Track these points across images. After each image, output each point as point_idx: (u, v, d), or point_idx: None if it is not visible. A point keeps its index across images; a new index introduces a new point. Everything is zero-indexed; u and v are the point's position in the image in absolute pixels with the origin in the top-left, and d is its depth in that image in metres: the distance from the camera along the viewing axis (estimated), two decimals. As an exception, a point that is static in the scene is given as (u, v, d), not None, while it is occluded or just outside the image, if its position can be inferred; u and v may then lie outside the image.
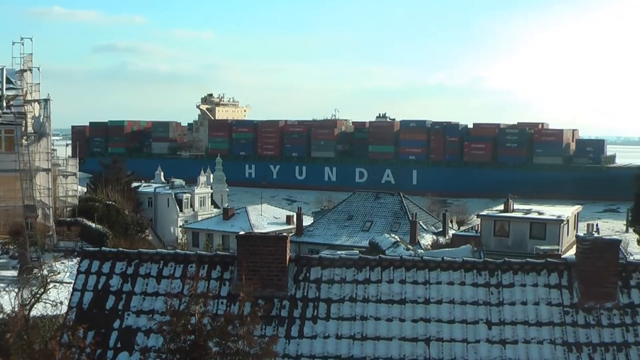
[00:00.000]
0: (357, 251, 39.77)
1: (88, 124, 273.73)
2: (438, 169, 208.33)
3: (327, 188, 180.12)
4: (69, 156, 73.52)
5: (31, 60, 63.16)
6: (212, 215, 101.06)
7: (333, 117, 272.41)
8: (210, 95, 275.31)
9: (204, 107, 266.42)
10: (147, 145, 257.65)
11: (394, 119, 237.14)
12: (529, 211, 61.78)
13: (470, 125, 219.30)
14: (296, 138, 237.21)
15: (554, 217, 58.12)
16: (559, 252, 43.19)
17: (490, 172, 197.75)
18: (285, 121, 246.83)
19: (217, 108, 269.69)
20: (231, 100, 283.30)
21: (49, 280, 32.18)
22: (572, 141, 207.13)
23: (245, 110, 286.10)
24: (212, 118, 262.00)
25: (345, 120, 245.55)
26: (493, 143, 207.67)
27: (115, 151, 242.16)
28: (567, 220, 58.39)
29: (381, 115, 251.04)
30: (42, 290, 29.40)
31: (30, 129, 59.84)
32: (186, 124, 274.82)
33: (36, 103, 62.91)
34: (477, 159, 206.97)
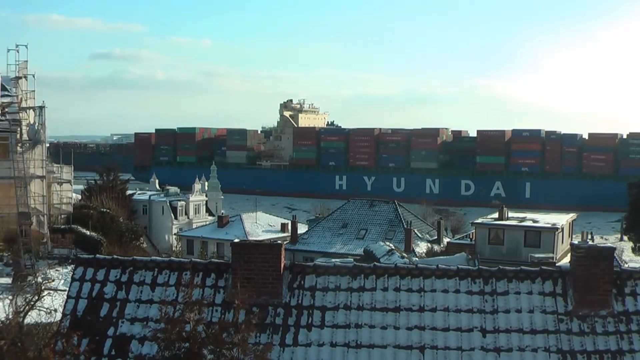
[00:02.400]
0: (352, 259, 39.81)
1: (154, 131, 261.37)
2: (554, 181, 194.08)
3: (429, 201, 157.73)
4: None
5: (26, 68, 63.07)
6: (207, 222, 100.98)
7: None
8: (290, 100, 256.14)
9: (287, 113, 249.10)
10: (220, 153, 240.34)
11: (496, 130, 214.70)
12: (523, 219, 61.91)
13: (585, 136, 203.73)
14: (394, 147, 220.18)
15: (549, 225, 58.24)
16: (554, 260, 43.27)
17: (612, 185, 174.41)
18: (380, 129, 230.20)
19: (299, 115, 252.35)
20: (311, 106, 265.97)
21: (43, 287, 32.05)
22: None
23: (324, 117, 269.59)
24: (296, 125, 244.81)
25: (445, 128, 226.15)
26: (614, 154, 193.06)
27: (185, 160, 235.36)
28: (562, 228, 58.52)
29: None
30: (37, 297, 29.29)
31: (25, 136, 59.75)
32: (258, 130, 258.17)
33: (31, 110, 62.83)
34: (596, 171, 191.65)
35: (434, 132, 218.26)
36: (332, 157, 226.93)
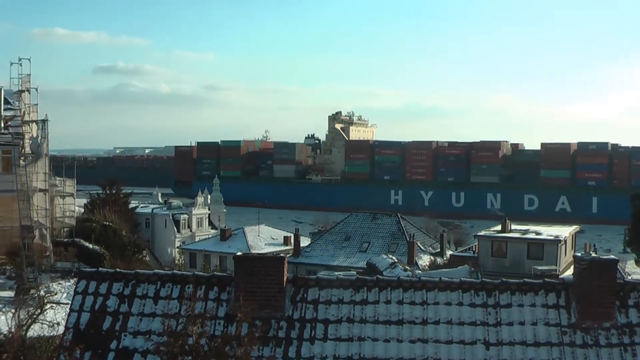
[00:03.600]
0: (355, 272, 39.69)
1: (195, 144, 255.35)
2: (623, 196, 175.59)
3: (490, 216, 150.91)
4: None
5: (29, 81, 63.32)
6: (210, 236, 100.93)
7: (264, 138, 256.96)
8: (339, 113, 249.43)
9: (339, 126, 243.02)
10: (265, 167, 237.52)
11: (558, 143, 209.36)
12: (526, 231, 61.79)
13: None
14: (453, 161, 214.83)
15: (552, 238, 58.13)
16: (557, 272, 43.11)
17: None
18: (437, 142, 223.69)
19: (350, 127, 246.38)
20: (360, 118, 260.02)
21: (45, 300, 32.17)
22: None
23: (373, 130, 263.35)
24: (347, 138, 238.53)
25: (505, 141, 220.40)
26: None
27: (230, 175, 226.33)
28: (565, 241, 58.43)
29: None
30: (39, 310, 29.36)
31: (27, 150, 59.86)
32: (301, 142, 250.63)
33: (34, 124, 62.97)
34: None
35: (494, 145, 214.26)
36: (387, 171, 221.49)
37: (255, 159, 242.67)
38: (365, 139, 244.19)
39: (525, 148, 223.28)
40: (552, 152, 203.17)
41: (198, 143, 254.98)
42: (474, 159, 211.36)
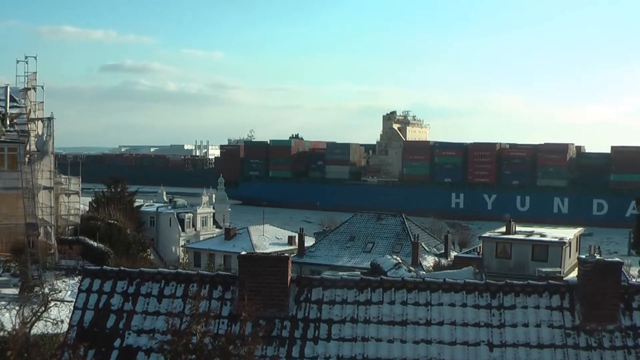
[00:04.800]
0: (359, 272, 39.66)
1: (243, 144, 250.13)
2: None
3: (557, 221, 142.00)
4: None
5: (35, 79, 63.26)
6: (214, 235, 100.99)
7: (249, 137, 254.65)
8: (393, 113, 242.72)
9: (396, 126, 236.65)
10: (315, 168, 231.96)
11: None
12: (531, 233, 61.75)
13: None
14: (518, 164, 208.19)
15: (556, 239, 58.08)
16: (561, 274, 43.11)
17: None
18: (499, 144, 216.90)
19: (407, 128, 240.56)
20: (414, 118, 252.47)
21: (50, 298, 32.20)
22: None
23: (427, 131, 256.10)
24: (404, 139, 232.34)
25: (571, 144, 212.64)
26: None
27: (279, 175, 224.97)
28: (569, 243, 58.38)
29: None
30: (43, 308, 29.40)
31: (33, 147, 59.91)
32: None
33: (39, 121, 63.02)
34: None
35: (562, 148, 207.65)
36: (448, 173, 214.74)
37: (305, 159, 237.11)
38: (420, 139, 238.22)
39: (588, 151, 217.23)
40: (624, 156, 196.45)
41: (245, 142, 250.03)
42: (540, 161, 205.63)
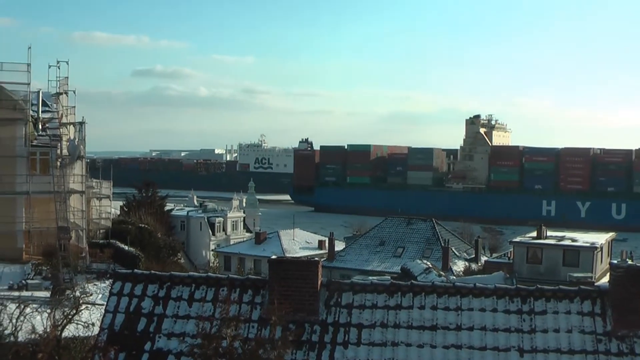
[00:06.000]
0: (389, 277, 39.62)
1: (318, 148, 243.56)
2: None
3: None
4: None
5: (67, 84, 63.59)
6: (245, 239, 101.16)
7: (260, 142, 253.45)
8: (477, 116, 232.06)
9: (482, 130, 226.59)
10: (394, 174, 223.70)
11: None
12: (562, 238, 61.33)
13: None
14: (613, 170, 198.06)
15: (588, 244, 57.67)
16: (593, 280, 42.82)
17: None
18: (591, 149, 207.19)
19: (493, 132, 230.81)
20: (497, 122, 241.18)
21: (81, 301, 32.28)
22: None
23: (509, 135, 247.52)
24: (490, 143, 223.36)
25: None
26: None
27: (357, 181, 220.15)
28: (601, 248, 57.95)
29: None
30: (75, 311, 29.49)
31: (65, 152, 60.26)
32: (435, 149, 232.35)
33: (71, 126, 63.38)
34: None
35: None
36: (539, 179, 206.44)
37: (383, 164, 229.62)
38: (504, 144, 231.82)
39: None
40: None
41: (321, 147, 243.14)
42: (637, 167, 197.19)
